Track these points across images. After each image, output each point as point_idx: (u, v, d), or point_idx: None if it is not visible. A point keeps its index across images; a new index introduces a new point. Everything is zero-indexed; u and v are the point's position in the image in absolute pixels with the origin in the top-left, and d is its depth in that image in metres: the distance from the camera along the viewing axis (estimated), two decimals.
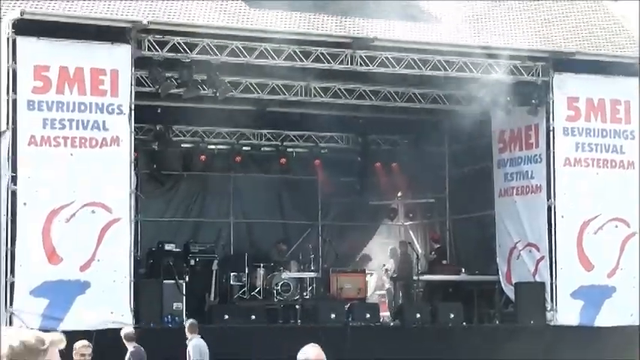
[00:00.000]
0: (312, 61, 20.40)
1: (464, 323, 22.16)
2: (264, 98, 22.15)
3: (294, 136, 25.60)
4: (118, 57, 19.08)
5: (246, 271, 23.39)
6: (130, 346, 16.64)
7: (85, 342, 13.83)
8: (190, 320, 17.91)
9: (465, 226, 26.06)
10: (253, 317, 20.69)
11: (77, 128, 18.78)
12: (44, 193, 18.30)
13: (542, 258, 21.75)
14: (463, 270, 24.51)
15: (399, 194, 27.59)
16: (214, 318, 20.82)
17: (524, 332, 21.14)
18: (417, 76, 21.36)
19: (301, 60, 20.29)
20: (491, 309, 23.44)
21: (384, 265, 25.79)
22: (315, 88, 22.02)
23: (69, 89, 18.78)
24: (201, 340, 17.32)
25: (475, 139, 24.05)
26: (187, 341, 17.21)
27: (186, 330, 17.46)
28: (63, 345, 4.51)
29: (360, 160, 26.47)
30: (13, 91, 18.39)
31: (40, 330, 4.80)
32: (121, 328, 17.49)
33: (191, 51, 19.54)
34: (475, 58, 20.83)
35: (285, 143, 25.64)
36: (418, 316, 21.92)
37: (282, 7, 20.71)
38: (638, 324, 21.70)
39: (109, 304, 18.49)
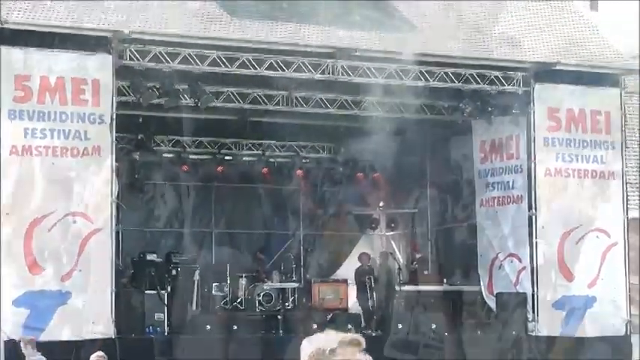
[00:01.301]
0: (294, 71, 20.42)
1: (445, 334, 22.17)
2: (246, 108, 22.11)
3: (275, 145, 25.60)
4: (100, 67, 19.03)
5: (228, 282, 23.34)
6: None
7: (99, 353, 13.79)
8: (30, 337, 16.66)
9: (447, 236, 26.04)
10: (235, 327, 20.64)
11: (58, 138, 18.71)
12: (26, 203, 18.24)
13: (524, 268, 21.78)
14: (445, 280, 24.49)
15: (381, 204, 27.61)
16: (196, 328, 20.77)
17: (506, 343, 21.14)
18: (398, 86, 21.36)
19: (282, 70, 20.30)
20: (472, 319, 23.45)
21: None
22: (296, 97, 22.03)
23: (50, 99, 18.71)
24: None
25: (456, 149, 24.12)
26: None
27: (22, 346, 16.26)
28: (359, 347, 4.53)
29: (341, 170, 26.46)
30: None
31: None
32: (103, 339, 17.53)
33: (172, 61, 19.53)
34: (456, 69, 20.92)
35: (267, 153, 25.64)
36: (400, 326, 21.92)
37: (263, 17, 20.74)
38: (620, 334, 21.84)
39: (91, 314, 18.42)
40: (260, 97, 21.68)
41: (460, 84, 21.05)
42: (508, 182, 22.31)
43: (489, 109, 21.53)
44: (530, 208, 21.60)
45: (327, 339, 4.49)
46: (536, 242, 21.44)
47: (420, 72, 20.74)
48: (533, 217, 21.55)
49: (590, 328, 21.66)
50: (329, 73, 20.57)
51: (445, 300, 24.03)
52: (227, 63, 19.84)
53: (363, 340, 4.54)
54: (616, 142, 22.51)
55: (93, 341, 17.66)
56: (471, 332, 23.16)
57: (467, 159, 23.57)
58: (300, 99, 22.06)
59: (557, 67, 21.73)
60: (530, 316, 21.41)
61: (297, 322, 21.84)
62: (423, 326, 21.72)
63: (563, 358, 20.65)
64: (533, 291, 21.49)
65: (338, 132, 24.98)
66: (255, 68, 20.10)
